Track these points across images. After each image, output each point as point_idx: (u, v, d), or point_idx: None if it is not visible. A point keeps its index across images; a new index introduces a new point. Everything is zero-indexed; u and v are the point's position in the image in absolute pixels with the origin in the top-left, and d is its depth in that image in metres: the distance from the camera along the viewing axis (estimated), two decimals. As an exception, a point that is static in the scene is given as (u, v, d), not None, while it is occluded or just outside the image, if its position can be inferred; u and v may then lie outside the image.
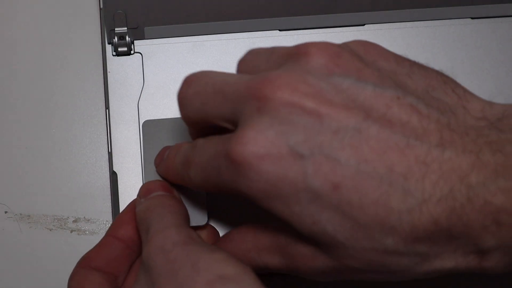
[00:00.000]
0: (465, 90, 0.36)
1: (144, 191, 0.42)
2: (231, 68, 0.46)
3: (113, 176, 0.45)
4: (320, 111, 0.33)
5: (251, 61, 0.38)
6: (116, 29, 0.47)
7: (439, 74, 0.36)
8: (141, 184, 0.45)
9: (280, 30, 0.48)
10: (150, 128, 0.46)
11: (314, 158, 0.33)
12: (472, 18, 0.48)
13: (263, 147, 0.33)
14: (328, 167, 0.33)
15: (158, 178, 0.44)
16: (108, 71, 0.47)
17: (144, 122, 0.46)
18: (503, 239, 0.32)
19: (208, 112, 0.37)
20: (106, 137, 0.47)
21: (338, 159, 0.33)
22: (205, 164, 0.37)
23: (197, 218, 0.44)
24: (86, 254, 0.41)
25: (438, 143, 0.33)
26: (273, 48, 0.38)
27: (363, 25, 0.48)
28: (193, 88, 0.38)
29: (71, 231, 0.47)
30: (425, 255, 0.34)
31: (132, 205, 0.42)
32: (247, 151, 0.34)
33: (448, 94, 0.35)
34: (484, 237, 0.32)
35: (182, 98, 0.38)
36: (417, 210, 0.32)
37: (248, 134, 0.34)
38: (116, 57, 0.47)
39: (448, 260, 0.34)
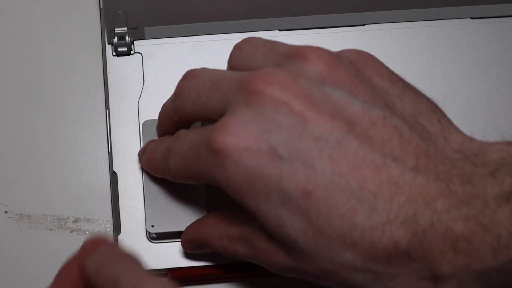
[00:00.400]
0: (450, 123, 0.37)
1: (90, 245, 0.36)
2: (231, 68, 0.46)
3: (113, 176, 0.45)
4: (306, 115, 0.34)
5: (247, 50, 0.38)
6: (116, 29, 0.47)
7: (429, 102, 0.37)
8: (141, 184, 0.45)
9: (280, 30, 0.48)
10: (150, 128, 0.46)
11: (291, 162, 0.34)
12: (472, 18, 0.48)
13: (244, 140, 0.34)
14: (303, 173, 0.33)
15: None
16: (108, 71, 0.47)
17: (144, 122, 0.46)
18: (458, 268, 0.33)
19: (202, 104, 0.37)
20: (106, 137, 0.47)
21: (314, 167, 0.33)
22: (185, 153, 0.37)
23: (197, 215, 0.44)
24: None
25: (413, 167, 0.33)
26: (271, 43, 0.38)
27: (363, 25, 0.48)
28: (192, 82, 0.38)
29: (71, 231, 0.47)
30: (380, 275, 0.34)
31: (70, 264, 0.36)
32: (227, 141, 0.34)
33: (433, 123, 0.36)
34: (440, 263, 0.33)
35: (180, 89, 0.39)
36: (380, 229, 0.33)
37: (232, 125, 0.34)
38: (116, 57, 0.47)
39: (402, 284, 0.34)
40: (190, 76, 0.39)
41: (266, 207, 0.34)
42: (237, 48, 0.39)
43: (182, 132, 0.39)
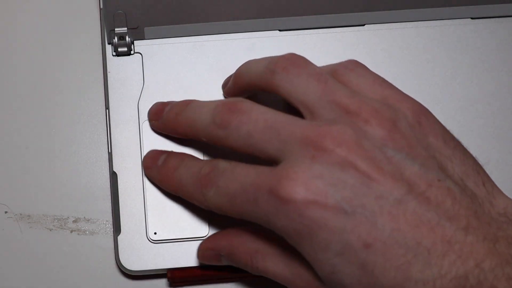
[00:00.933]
0: (493, 186, 0.39)
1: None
2: (231, 69, 0.47)
3: (113, 176, 0.45)
4: (370, 175, 0.36)
5: (296, 78, 0.39)
6: (116, 29, 0.47)
7: (475, 163, 0.39)
8: (141, 184, 0.45)
9: (280, 30, 0.48)
10: (150, 128, 0.46)
11: (355, 216, 0.36)
12: (472, 18, 0.48)
13: (313, 193, 0.36)
14: (365, 227, 0.35)
15: None
16: (108, 71, 0.47)
17: (145, 122, 0.46)
18: None
19: (252, 144, 0.38)
20: (106, 137, 0.47)
21: (376, 222, 0.35)
22: (234, 191, 0.38)
23: (199, 222, 0.44)
24: None
25: (464, 227, 0.36)
26: (325, 81, 0.39)
27: (363, 25, 0.48)
28: (242, 118, 0.39)
29: (71, 231, 0.47)
30: None
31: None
32: (296, 193, 0.36)
33: (478, 186, 0.39)
34: None
35: (226, 121, 0.39)
36: (431, 283, 0.35)
37: (300, 177, 0.36)
38: (116, 57, 0.47)
39: None
40: (237, 110, 0.39)
41: (323, 256, 0.36)
42: (282, 68, 0.40)
43: (223, 165, 0.40)
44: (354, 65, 0.41)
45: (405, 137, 0.38)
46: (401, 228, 0.35)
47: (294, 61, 0.40)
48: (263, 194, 0.37)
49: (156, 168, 0.44)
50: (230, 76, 0.45)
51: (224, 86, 0.46)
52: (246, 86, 0.43)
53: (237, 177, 0.38)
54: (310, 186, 0.36)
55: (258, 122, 0.38)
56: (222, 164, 0.40)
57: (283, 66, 0.40)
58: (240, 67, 0.44)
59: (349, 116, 0.38)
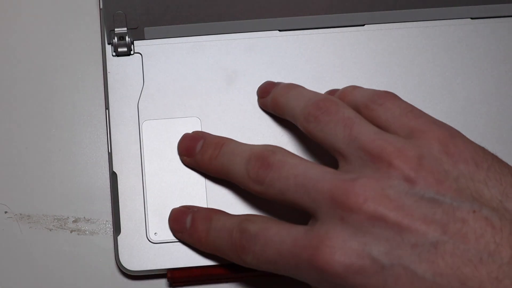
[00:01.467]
0: None
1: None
2: (231, 69, 0.47)
3: (113, 176, 0.45)
4: (401, 225, 0.36)
5: (326, 125, 0.40)
6: (116, 29, 0.47)
7: None
8: (141, 184, 0.45)
9: (280, 30, 0.48)
10: (150, 129, 0.46)
11: (393, 269, 0.35)
12: (472, 18, 0.48)
13: (349, 257, 0.36)
14: (406, 278, 0.35)
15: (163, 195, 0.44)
16: (108, 71, 0.47)
17: (144, 122, 0.46)
18: None
19: (286, 199, 0.39)
20: (106, 137, 0.47)
21: (416, 272, 0.35)
22: (273, 258, 0.39)
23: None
24: None
25: (510, 259, 0.35)
26: (351, 128, 0.39)
27: (363, 25, 0.48)
28: (273, 174, 0.39)
29: (71, 231, 0.47)
30: None
31: None
32: (335, 261, 0.36)
33: None
34: None
35: (261, 177, 0.40)
36: None
37: (334, 243, 0.36)
38: (116, 58, 0.47)
39: None
40: (269, 166, 0.40)
41: None
42: (314, 117, 0.40)
43: (254, 228, 0.40)
44: (384, 99, 0.41)
45: (433, 173, 0.37)
46: (443, 273, 0.35)
47: (325, 109, 0.40)
48: (303, 262, 0.37)
49: (187, 233, 0.44)
50: (267, 86, 0.45)
51: (261, 94, 0.46)
52: (283, 117, 0.44)
53: (272, 244, 0.39)
54: (346, 251, 0.36)
55: (289, 180, 0.39)
56: (252, 227, 0.40)
57: (315, 115, 0.40)
58: (278, 92, 0.44)
59: (374, 161, 0.37)
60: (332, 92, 0.44)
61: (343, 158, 0.39)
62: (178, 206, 0.45)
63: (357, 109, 0.41)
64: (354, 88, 0.43)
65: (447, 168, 0.37)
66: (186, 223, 0.43)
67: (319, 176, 0.38)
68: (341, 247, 0.36)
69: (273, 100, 0.44)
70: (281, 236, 0.38)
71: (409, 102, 0.39)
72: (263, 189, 0.40)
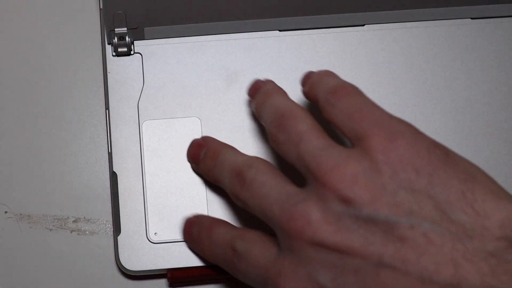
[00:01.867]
0: (484, 200, 0.34)
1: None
2: (231, 69, 0.46)
3: (113, 176, 0.45)
4: (341, 249, 0.35)
5: (283, 144, 0.39)
6: (116, 29, 0.47)
7: (460, 181, 0.35)
8: (141, 184, 0.45)
9: (280, 31, 0.48)
10: (150, 129, 0.46)
11: None
12: (472, 18, 0.48)
13: (298, 286, 0.36)
14: None
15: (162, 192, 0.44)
16: (108, 71, 0.47)
17: (145, 122, 0.46)
18: None
19: (258, 215, 0.39)
20: (106, 137, 0.47)
21: None
22: (253, 277, 0.39)
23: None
24: None
25: (452, 278, 0.33)
26: (300, 153, 0.38)
27: (363, 25, 0.48)
28: (246, 194, 0.39)
29: (71, 231, 0.47)
30: None
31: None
32: None
33: (466, 211, 0.34)
34: None
35: (238, 196, 0.40)
36: None
37: (287, 271, 0.36)
38: (116, 58, 0.47)
39: None
40: (243, 183, 0.39)
41: None
42: (274, 137, 0.39)
43: (241, 247, 0.40)
44: (340, 93, 0.38)
45: (368, 189, 0.35)
46: None
47: (283, 127, 0.39)
48: (270, 283, 0.38)
49: (194, 243, 0.44)
50: (252, 89, 0.43)
51: (249, 95, 0.44)
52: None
53: (252, 267, 0.39)
54: (297, 279, 0.36)
55: (254, 200, 0.38)
56: (240, 247, 0.40)
57: (275, 135, 0.39)
58: (257, 100, 0.42)
59: (315, 180, 0.36)
60: (308, 75, 0.41)
61: (303, 176, 0.38)
62: (178, 206, 0.45)
63: (320, 103, 0.39)
64: (324, 74, 0.40)
65: (385, 181, 0.35)
66: (193, 234, 0.44)
67: (275, 198, 0.38)
68: (291, 278, 0.36)
69: (255, 106, 0.42)
70: (258, 260, 0.39)
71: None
72: (243, 206, 0.40)
